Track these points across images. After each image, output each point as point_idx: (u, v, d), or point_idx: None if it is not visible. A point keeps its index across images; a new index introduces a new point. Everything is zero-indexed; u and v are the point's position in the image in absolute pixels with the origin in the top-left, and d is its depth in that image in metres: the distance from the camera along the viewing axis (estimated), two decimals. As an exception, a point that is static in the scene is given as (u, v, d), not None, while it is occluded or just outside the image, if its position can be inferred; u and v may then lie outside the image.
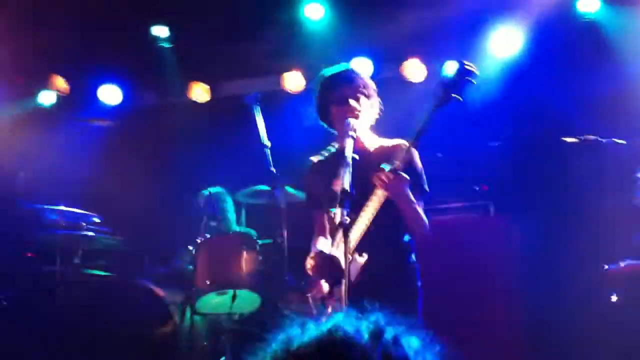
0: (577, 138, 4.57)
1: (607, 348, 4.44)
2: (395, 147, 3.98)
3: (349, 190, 3.44)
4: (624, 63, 6.31)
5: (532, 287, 5.42)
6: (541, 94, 6.51)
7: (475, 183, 6.04)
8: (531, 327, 5.39)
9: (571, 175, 5.61)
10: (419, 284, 3.89)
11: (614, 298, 4.00)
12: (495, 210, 5.98)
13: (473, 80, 3.56)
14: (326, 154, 4.18)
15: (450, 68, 6.79)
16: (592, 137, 4.59)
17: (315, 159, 4.20)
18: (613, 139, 4.52)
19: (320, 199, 4.07)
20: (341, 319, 1.29)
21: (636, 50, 6.31)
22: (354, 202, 3.47)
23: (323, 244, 3.99)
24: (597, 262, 4.28)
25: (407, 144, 3.92)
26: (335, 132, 4.11)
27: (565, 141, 4.61)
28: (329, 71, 4.14)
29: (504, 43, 6.85)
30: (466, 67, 3.58)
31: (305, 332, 1.27)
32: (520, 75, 6.70)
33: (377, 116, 4.11)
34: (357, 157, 3.66)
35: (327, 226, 4.07)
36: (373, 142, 4.11)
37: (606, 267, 4.02)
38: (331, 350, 1.23)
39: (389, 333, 1.27)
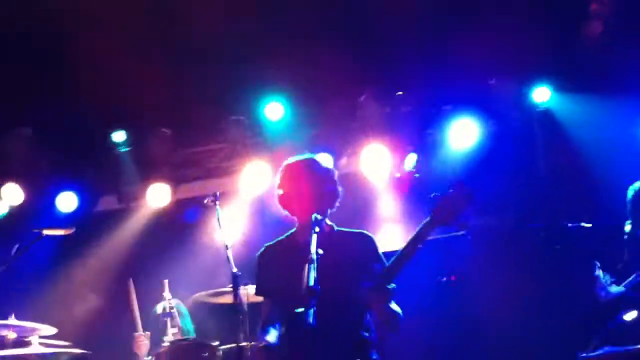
0: (544, 224, 4.52)
1: None
2: (358, 236, 3.93)
3: (315, 288, 3.31)
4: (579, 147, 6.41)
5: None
6: (502, 182, 6.53)
7: (440, 274, 5.93)
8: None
9: (541, 262, 5.53)
10: None
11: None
12: (464, 301, 5.86)
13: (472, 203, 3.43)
14: (280, 239, 4.08)
15: (410, 161, 6.91)
16: (558, 222, 4.55)
17: (268, 244, 4.10)
18: (581, 223, 4.48)
19: (271, 285, 3.95)
20: None
21: (587, 134, 6.43)
22: (319, 298, 3.34)
23: (272, 336, 3.82)
24: (573, 350, 4.15)
25: (370, 235, 3.88)
26: (296, 221, 4.03)
27: (531, 228, 4.56)
28: (292, 160, 4.10)
29: (462, 134, 6.91)
30: (465, 185, 3.47)
31: None
32: (479, 165, 6.73)
33: (337, 205, 4.05)
34: (321, 252, 3.55)
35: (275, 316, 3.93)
36: (334, 231, 4.02)
37: (583, 355, 3.89)
38: None
39: None
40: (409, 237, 3.60)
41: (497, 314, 5.62)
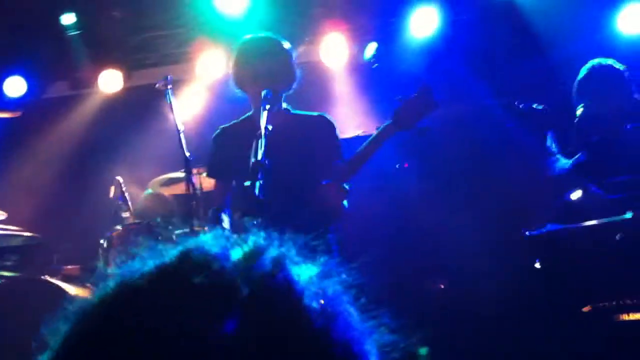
0: (498, 101, 4.51)
1: (530, 315, 4.39)
2: (317, 118, 3.91)
3: (262, 162, 3.29)
4: (542, 41, 6.34)
5: (454, 255, 5.39)
6: (462, 71, 6.47)
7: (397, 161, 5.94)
8: (453, 295, 5.36)
9: (491, 142, 5.56)
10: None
11: (537, 265, 3.94)
12: (417, 182, 5.91)
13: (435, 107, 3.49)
14: (238, 122, 4.03)
15: (369, 50, 6.79)
16: (509, 100, 4.54)
17: (224, 126, 4.06)
18: (531, 104, 4.47)
19: (225, 167, 3.93)
20: (205, 239, 0.88)
21: (553, 27, 6.35)
22: (268, 173, 3.31)
23: (225, 222, 3.82)
24: (518, 227, 4.21)
25: (330, 118, 3.87)
26: (250, 103, 3.98)
27: (486, 104, 4.56)
28: (248, 39, 4.00)
29: (423, 22, 6.78)
30: (430, 92, 3.51)
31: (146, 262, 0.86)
32: (437, 55, 6.65)
33: (294, 87, 3.98)
34: (270, 127, 3.50)
35: (227, 197, 3.93)
36: (289, 113, 3.98)
37: (527, 232, 3.96)
38: (169, 279, 0.83)
39: (271, 253, 0.87)
40: (369, 139, 3.63)
41: (448, 195, 5.68)
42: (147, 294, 0.84)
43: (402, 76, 6.42)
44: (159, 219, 5.15)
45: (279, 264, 0.86)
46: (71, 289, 5.16)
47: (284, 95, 4.00)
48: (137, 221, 5.39)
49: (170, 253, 0.88)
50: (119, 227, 5.29)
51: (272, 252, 0.88)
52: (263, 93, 3.67)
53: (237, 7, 6.65)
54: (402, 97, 3.57)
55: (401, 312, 1.01)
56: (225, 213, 3.86)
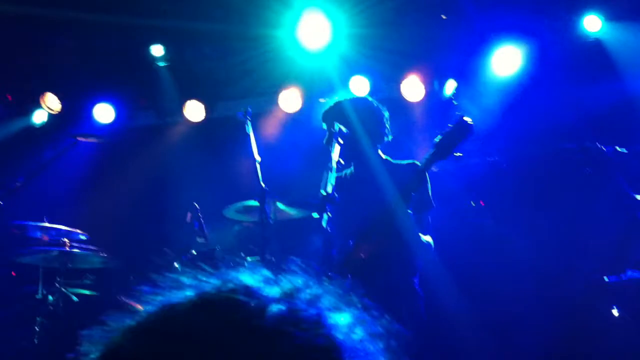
0: (577, 145, 4.39)
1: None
2: (408, 167, 3.99)
3: (332, 196, 3.31)
4: (627, 77, 6.16)
5: (534, 299, 5.24)
6: (543, 110, 6.35)
7: (472, 198, 5.84)
8: (533, 339, 5.19)
9: (573, 185, 5.40)
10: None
11: (615, 312, 3.77)
12: (493, 223, 5.82)
13: (470, 136, 3.63)
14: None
15: (450, 88, 6.75)
16: (592, 144, 4.40)
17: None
18: (615, 147, 4.32)
19: None
20: (244, 273, 0.95)
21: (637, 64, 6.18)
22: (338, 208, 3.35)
23: None
24: (600, 274, 4.06)
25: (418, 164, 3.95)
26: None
27: (564, 148, 4.45)
28: (347, 98, 4.35)
29: (506, 62, 6.70)
30: (465, 121, 3.61)
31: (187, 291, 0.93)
32: (522, 93, 6.55)
33: (387, 138, 4.20)
34: (342, 161, 3.56)
35: None
36: (383, 161, 4.08)
37: (608, 278, 3.81)
38: (207, 308, 0.89)
39: (306, 294, 0.92)
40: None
41: (526, 237, 5.56)
42: (182, 323, 0.89)
43: (481, 113, 6.37)
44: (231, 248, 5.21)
45: (313, 301, 0.90)
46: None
47: (379, 146, 4.24)
48: (209, 248, 5.48)
49: (211, 284, 0.94)
50: (194, 252, 5.39)
51: (308, 293, 0.92)
52: (336, 127, 3.73)
53: (319, 43, 6.76)
54: (443, 130, 3.70)
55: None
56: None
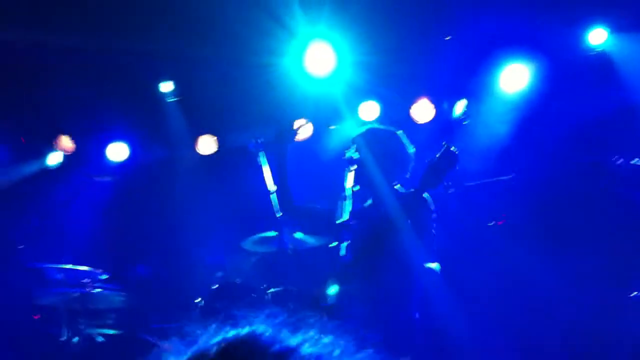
0: (591, 159, 4.38)
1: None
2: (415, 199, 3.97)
3: (349, 223, 3.33)
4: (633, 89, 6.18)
5: (562, 315, 5.20)
6: (553, 125, 6.35)
7: (489, 219, 5.84)
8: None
9: (588, 199, 5.38)
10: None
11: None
12: (513, 242, 5.81)
13: (456, 166, 3.65)
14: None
15: (460, 107, 6.77)
16: (605, 158, 4.39)
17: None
18: (630, 160, 4.30)
19: None
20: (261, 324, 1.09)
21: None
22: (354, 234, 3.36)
23: None
24: (621, 290, 4.03)
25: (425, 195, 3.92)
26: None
27: (577, 163, 4.43)
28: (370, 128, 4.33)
29: (514, 79, 6.72)
30: (451, 151, 3.63)
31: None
32: (531, 110, 6.56)
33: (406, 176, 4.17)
34: (357, 188, 3.57)
35: None
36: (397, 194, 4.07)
37: (635, 293, 3.78)
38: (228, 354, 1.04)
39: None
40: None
41: (543, 254, 5.53)
42: None
43: (490, 131, 6.40)
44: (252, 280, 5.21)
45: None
46: (168, 346, 5.25)
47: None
48: (229, 281, 5.48)
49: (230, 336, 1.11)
50: (216, 286, 5.39)
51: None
52: (347, 155, 3.75)
53: (324, 69, 6.82)
54: (429, 160, 3.69)
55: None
56: None
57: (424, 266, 3.80)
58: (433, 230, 3.98)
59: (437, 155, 3.64)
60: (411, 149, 4.23)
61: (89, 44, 6.58)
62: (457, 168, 3.60)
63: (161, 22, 6.40)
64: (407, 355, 3.67)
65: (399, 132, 4.32)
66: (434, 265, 3.89)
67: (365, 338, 1.09)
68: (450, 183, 3.73)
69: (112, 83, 7.22)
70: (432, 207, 3.97)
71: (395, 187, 4.16)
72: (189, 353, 1.08)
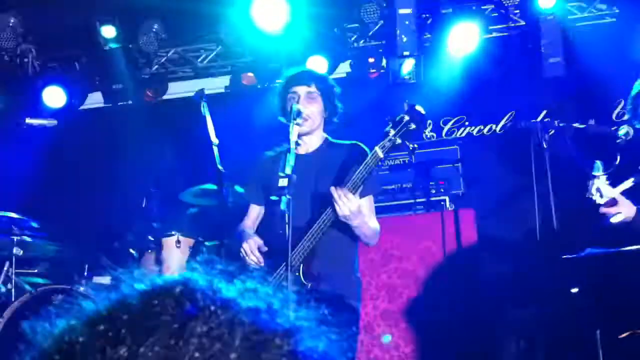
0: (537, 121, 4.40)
1: (567, 340, 4.25)
2: (351, 148, 3.86)
3: (290, 176, 3.26)
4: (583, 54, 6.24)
5: (490, 277, 5.28)
6: (502, 89, 6.39)
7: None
8: (491, 318, 5.24)
9: (531, 160, 5.42)
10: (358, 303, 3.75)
11: (574, 290, 3.80)
12: (453, 204, 5.85)
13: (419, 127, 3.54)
14: (279, 151, 3.99)
15: (407, 66, 6.69)
16: (551, 121, 4.41)
17: (269, 153, 4.04)
18: (572, 124, 4.34)
19: (261, 194, 3.91)
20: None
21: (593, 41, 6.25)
22: (297, 195, 3.29)
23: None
24: (558, 252, 4.08)
25: (363, 147, 3.80)
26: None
27: (524, 124, 4.45)
28: (291, 72, 4.10)
29: (463, 39, 6.68)
30: (418, 110, 3.51)
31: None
32: (480, 72, 6.57)
33: (334, 118, 3.99)
34: (300, 142, 3.47)
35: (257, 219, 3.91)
36: (327, 143, 3.95)
37: (565, 256, 3.83)
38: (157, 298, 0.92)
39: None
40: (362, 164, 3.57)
41: (483, 215, 5.61)
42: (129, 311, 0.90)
43: (439, 92, 6.39)
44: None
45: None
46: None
47: (324, 124, 4.03)
48: (167, 233, 5.38)
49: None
50: (150, 238, 5.28)
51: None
52: (293, 107, 3.64)
53: (276, 24, 6.64)
54: (390, 118, 3.55)
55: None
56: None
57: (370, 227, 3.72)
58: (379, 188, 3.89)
59: (402, 115, 3.50)
60: (337, 89, 4.09)
61: None
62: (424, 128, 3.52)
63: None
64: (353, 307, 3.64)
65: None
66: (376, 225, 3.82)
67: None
68: (416, 144, 3.57)
69: (52, 23, 6.93)
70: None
71: (328, 139, 4.02)
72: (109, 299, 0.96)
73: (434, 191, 5.90)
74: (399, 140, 3.48)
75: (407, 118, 3.46)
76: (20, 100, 7.12)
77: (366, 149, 3.88)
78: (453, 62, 6.74)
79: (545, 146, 4.61)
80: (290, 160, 3.36)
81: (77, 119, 7.22)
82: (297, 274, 3.46)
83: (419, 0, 6.70)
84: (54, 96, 7.13)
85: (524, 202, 5.45)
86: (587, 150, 4.21)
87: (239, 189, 5.41)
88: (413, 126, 3.48)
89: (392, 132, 3.49)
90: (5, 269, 5.27)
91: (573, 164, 4.16)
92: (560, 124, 4.46)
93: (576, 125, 4.35)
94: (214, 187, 5.26)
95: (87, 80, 7.37)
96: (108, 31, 7.06)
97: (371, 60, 7.17)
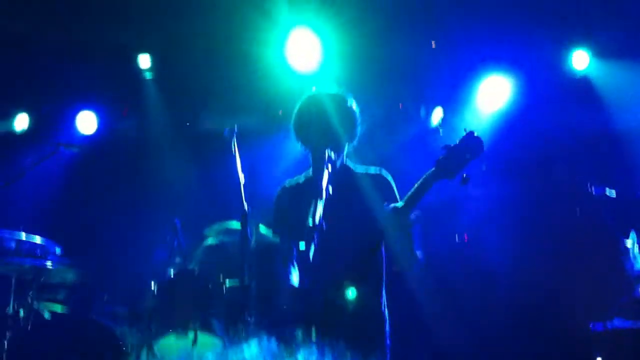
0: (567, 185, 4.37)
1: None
2: (375, 177, 3.80)
3: (319, 226, 3.25)
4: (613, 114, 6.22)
5: (519, 338, 5.21)
6: (530, 144, 6.37)
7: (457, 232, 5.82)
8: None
9: (561, 224, 5.38)
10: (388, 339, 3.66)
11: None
12: (479, 262, 5.80)
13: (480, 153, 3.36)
14: (300, 180, 3.98)
15: (436, 116, 6.73)
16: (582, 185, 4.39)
17: (288, 183, 4.02)
18: (605, 190, 4.29)
19: (286, 226, 3.89)
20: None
21: (624, 100, 6.23)
22: (324, 236, 3.27)
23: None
24: (586, 320, 4.02)
25: (387, 176, 3.76)
26: (310, 157, 3.94)
27: (554, 186, 4.43)
28: (312, 94, 4.02)
29: (494, 92, 6.71)
30: (477, 137, 3.38)
31: None
32: (508, 126, 6.57)
33: (355, 144, 3.94)
34: (331, 189, 3.47)
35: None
36: (350, 171, 3.90)
37: (593, 325, 3.77)
38: None
39: None
40: (411, 190, 3.47)
41: (512, 277, 5.54)
42: None
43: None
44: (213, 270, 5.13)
45: None
46: (117, 330, 5.17)
47: (344, 152, 3.95)
48: (189, 268, 5.38)
49: None
50: (171, 273, 5.29)
51: None
52: (326, 153, 3.64)
53: (309, 65, 6.71)
54: (446, 145, 3.41)
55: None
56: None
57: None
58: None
59: (457, 142, 3.37)
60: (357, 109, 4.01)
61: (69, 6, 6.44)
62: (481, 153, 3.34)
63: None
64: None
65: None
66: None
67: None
68: (467, 175, 3.34)
69: (89, 51, 7.05)
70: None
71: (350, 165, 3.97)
72: None
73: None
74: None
75: (462, 146, 3.36)
76: (52, 122, 7.22)
77: (389, 178, 3.84)
78: (481, 115, 6.76)
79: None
80: (319, 208, 3.35)
81: (107, 144, 7.29)
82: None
83: (453, 52, 6.76)
84: (87, 121, 7.23)
85: (547, 264, 5.41)
86: (621, 217, 4.16)
87: (263, 229, 5.43)
88: (468, 156, 3.36)
89: (443, 160, 3.37)
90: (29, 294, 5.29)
91: (604, 231, 4.12)
92: (594, 190, 4.42)
93: (610, 191, 4.31)
94: (238, 225, 5.26)
95: (119, 106, 7.47)
96: (144, 60, 7.17)
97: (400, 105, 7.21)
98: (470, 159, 3.35)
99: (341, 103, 3.92)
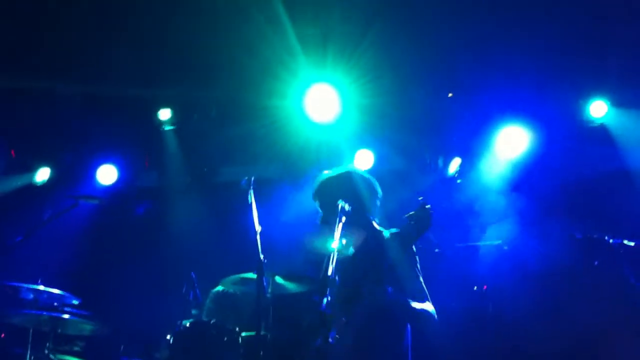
0: (584, 236, 4.34)
1: None
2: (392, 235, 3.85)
3: (332, 278, 3.26)
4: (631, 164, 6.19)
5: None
6: (547, 194, 6.33)
7: (475, 282, 5.76)
8: None
9: (579, 275, 5.31)
10: None
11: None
12: (493, 309, 5.72)
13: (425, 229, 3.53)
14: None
15: (454, 166, 6.74)
16: (599, 236, 4.35)
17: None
18: (623, 240, 4.26)
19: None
20: None
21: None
22: (343, 295, 3.30)
23: None
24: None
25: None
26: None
27: (572, 237, 4.39)
28: (327, 176, 4.18)
29: (512, 142, 6.71)
30: (425, 210, 3.53)
31: None
32: (526, 175, 6.55)
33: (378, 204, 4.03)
34: (344, 241, 3.52)
35: None
36: (375, 231, 3.93)
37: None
38: None
39: None
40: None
41: (529, 327, 5.46)
42: None
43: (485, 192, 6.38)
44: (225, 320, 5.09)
45: None
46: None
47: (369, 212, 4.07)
48: (204, 320, 5.35)
49: None
50: (186, 324, 5.25)
51: None
52: (339, 205, 3.67)
53: (327, 116, 6.78)
54: (407, 215, 3.60)
55: None
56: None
57: (414, 309, 3.66)
58: (417, 269, 3.84)
59: (411, 214, 3.55)
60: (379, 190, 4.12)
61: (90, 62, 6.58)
62: (428, 231, 3.50)
63: (166, 55, 6.41)
64: None
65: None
66: (428, 307, 3.74)
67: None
68: (436, 242, 3.59)
69: (110, 105, 7.18)
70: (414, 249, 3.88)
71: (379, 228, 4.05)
72: None
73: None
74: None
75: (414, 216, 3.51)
76: (73, 175, 7.33)
77: None
78: (499, 163, 6.75)
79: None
80: (333, 261, 3.36)
81: (126, 196, 7.37)
82: None
83: (471, 101, 6.80)
84: (107, 174, 7.32)
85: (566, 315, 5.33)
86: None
87: (278, 279, 5.41)
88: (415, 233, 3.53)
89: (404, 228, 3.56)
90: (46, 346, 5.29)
91: (622, 281, 4.07)
92: (611, 240, 4.39)
93: (628, 242, 4.27)
94: (254, 276, 5.24)
95: (139, 159, 7.57)
96: (164, 114, 7.29)
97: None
98: (421, 232, 3.54)
99: (369, 182, 4.09)
